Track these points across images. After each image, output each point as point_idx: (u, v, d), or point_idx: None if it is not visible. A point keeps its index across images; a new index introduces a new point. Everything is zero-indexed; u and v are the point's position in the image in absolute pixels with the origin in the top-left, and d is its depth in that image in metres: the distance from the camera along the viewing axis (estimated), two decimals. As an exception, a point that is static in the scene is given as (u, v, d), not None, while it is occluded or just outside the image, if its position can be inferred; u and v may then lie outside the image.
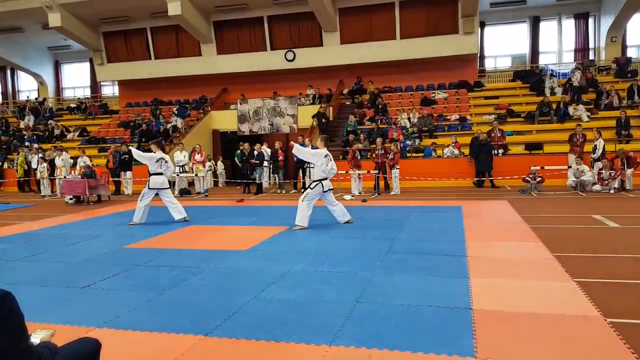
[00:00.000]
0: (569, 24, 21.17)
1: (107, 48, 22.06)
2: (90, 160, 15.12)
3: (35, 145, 19.43)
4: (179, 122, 19.47)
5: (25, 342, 1.80)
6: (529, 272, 5.10)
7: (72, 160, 15.71)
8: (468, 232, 7.33)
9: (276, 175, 15.32)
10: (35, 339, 2.01)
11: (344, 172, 13.24)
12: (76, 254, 6.70)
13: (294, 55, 19.88)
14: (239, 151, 15.94)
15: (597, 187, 12.20)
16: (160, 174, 9.07)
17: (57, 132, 21.35)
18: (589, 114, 16.27)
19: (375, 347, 3.33)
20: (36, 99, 25.91)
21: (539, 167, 12.69)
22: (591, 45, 21.02)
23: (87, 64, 26.12)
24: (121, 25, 21.23)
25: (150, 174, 9.10)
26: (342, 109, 19.94)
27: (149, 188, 9.07)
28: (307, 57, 19.81)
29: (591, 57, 20.78)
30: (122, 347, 3.52)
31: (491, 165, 13.97)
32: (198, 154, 15.16)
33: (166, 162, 9.18)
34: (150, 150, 9.46)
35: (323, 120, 17.61)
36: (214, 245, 7.09)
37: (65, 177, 14.77)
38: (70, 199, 13.70)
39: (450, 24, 18.40)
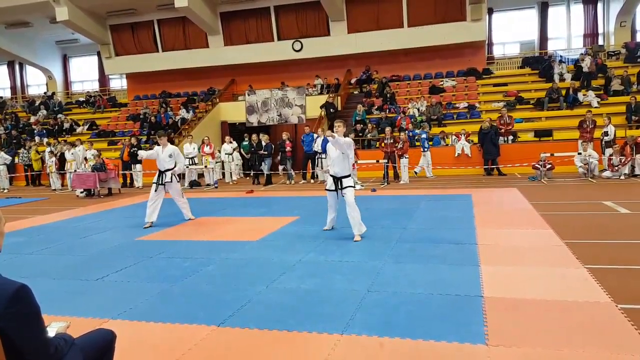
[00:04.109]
0: (578, 9, 20.85)
1: (115, 41, 22.10)
2: (99, 153, 15.17)
3: (46, 140, 19.60)
4: (189, 115, 19.51)
5: (42, 334, 1.83)
6: (539, 259, 5.09)
7: (87, 153, 15.80)
8: (478, 220, 7.31)
9: (284, 166, 15.33)
10: (51, 330, 2.04)
11: (354, 162, 13.22)
12: (89, 247, 6.78)
13: (301, 45, 19.79)
14: (246, 142, 15.96)
15: (608, 173, 12.10)
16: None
17: (66, 125, 21.49)
18: (599, 99, 16.07)
19: (386, 335, 3.35)
20: (45, 93, 26.07)
21: (548, 154, 12.59)
22: (600, 30, 20.69)
23: (95, 58, 26.19)
24: (128, 18, 21.24)
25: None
26: (350, 98, 19.87)
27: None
28: (314, 47, 19.71)
29: (600, 42, 20.46)
30: (137, 337, 3.57)
31: (497, 153, 13.87)
32: (207, 145, 15.21)
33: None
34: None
35: (331, 110, 17.57)
36: (225, 236, 7.14)
37: (75, 170, 14.90)
38: (81, 192, 13.83)
39: (458, 11, 18.20)
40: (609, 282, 4.19)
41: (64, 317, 3.68)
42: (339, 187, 6.60)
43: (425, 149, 14.18)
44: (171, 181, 8.35)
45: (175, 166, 8.40)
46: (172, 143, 16.46)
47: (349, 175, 6.63)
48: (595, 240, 5.84)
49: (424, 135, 14.36)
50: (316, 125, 16.13)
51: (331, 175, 6.72)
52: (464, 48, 19.19)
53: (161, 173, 8.37)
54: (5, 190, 16.29)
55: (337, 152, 6.55)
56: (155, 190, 8.26)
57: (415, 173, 14.15)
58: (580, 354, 2.99)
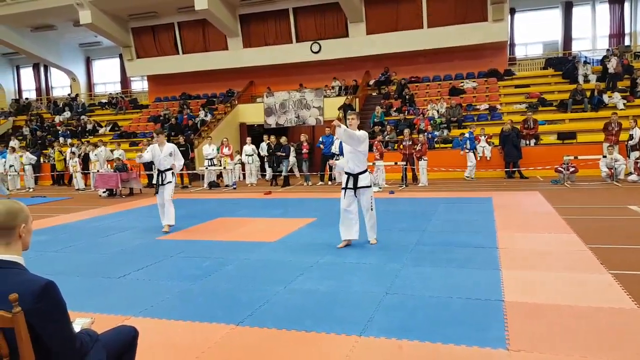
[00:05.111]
0: (604, 9, 20.43)
1: (136, 44, 22.45)
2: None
3: (69, 140, 19.99)
4: (208, 117, 19.72)
5: (68, 329, 1.87)
6: (562, 264, 5.00)
7: (110, 154, 16.09)
8: (499, 223, 7.21)
9: (301, 168, 15.35)
10: (76, 326, 2.08)
11: (371, 163, 13.17)
12: (111, 246, 6.90)
13: (320, 47, 19.81)
14: (264, 144, 16.04)
15: (634, 177, 11.83)
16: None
17: (89, 127, 21.91)
18: (625, 101, 15.73)
19: (405, 338, 3.33)
20: (69, 94, 26.62)
21: (572, 157, 12.37)
22: (627, 30, 20.25)
23: (117, 60, 26.65)
24: (149, 20, 21.57)
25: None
26: (369, 100, 19.81)
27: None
28: (332, 49, 19.71)
29: (627, 42, 20.03)
30: (158, 335, 3.62)
31: (518, 155, 13.68)
32: (226, 147, 15.33)
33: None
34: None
35: (349, 111, 17.53)
36: (244, 237, 7.18)
37: (98, 170, 15.18)
38: (104, 192, 14.07)
39: (479, 11, 18.00)
40: (634, 288, 4.09)
41: (88, 314, 3.74)
42: (355, 185, 6.03)
43: (469, 150, 13.91)
44: (172, 181, 7.92)
45: (180, 163, 8.04)
46: (192, 144, 16.74)
47: (365, 171, 6.08)
48: (620, 245, 5.70)
49: (467, 135, 14.07)
50: (333, 128, 16.09)
51: (346, 173, 6.12)
52: (485, 49, 18.96)
53: (160, 173, 7.97)
54: (31, 190, 16.67)
55: (351, 147, 6.02)
56: (157, 193, 7.96)
57: (472, 178, 13.95)
58: (605, 361, 2.93)
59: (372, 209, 6.16)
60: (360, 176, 6.06)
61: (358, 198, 6.15)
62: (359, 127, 6.32)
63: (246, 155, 15.75)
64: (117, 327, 2.34)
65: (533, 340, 3.22)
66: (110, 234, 7.86)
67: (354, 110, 18.02)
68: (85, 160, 16.62)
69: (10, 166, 16.64)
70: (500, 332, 3.36)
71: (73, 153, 16.77)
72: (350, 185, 6.06)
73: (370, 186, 6.16)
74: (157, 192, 8.00)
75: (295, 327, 3.59)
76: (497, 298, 4.02)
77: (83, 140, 19.71)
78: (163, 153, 7.94)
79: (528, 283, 4.40)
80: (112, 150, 16.44)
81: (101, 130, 21.87)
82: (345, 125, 6.13)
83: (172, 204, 7.86)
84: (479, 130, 14.90)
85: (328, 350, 3.25)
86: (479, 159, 14.32)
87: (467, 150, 13.88)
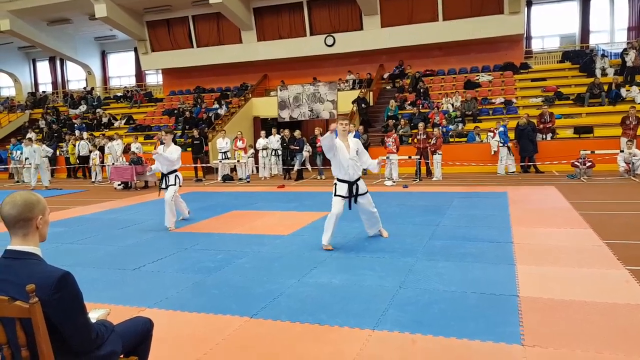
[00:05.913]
0: (622, 1, 20.01)
1: (151, 37, 22.57)
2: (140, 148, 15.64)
3: (85, 134, 20.22)
4: (222, 110, 19.81)
5: (84, 319, 1.89)
6: (578, 259, 4.93)
7: (123, 147, 16.25)
8: (514, 218, 7.14)
9: (315, 161, 15.33)
10: (92, 317, 2.10)
11: (385, 157, 13.09)
12: (125, 238, 6.97)
13: (334, 40, 19.73)
14: (273, 137, 16.02)
15: (652, 172, 11.62)
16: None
17: (104, 120, 22.13)
18: (644, 95, 15.43)
19: (419, 332, 3.32)
20: (84, 88, 26.90)
21: (588, 152, 12.18)
22: (646, 22, 19.84)
23: (132, 54, 26.84)
24: (164, 14, 21.65)
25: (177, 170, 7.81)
26: (383, 93, 19.70)
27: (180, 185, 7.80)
28: (347, 42, 19.62)
29: (646, 35, 19.62)
30: (173, 326, 3.65)
31: (534, 150, 13.49)
32: (240, 140, 15.38)
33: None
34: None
35: (363, 105, 17.47)
36: (257, 230, 7.21)
37: (113, 163, 15.33)
38: (119, 184, 14.22)
39: (495, 3, 17.75)
40: (653, 285, 4.03)
41: (104, 305, 3.79)
42: (354, 193, 5.77)
43: (503, 144, 13.56)
44: (175, 184, 7.59)
45: (177, 167, 7.70)
46: (206, 138, 16.81)
47: (360, 178, 5.85)
48: (637, 240, 5.61)
49: (501, 129, 13.65)
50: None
51: (342, 181, 5.78)
52: (501, 42, 18.73)
53: (164, 176, 7.71)
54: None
55: (351, 153, 5.74)
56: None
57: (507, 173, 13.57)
58: (622, 359, 2.88)
59: (374, 207, 6.05)
60: (358, 183, 5.83)
61: (360, 204, 5.91)
62: (366, 130, 6.18)
63: (262, 148, 15.78)
64: (133, 318, 2.37)
65: (548, 336, 3.19)
66: (125, 226, 7.94)
67: (368, 103, 17.95)
68: (102, 153, 16.83)
69: (26, 158, 16.84)
70: (515, 327, 3.33)
71: (94, 146, 17.04)
72: (347, 193, 5.77)
73: (367, 192, 5.95)
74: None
75: (309, 320, 3.60)
76: (511, 293, 3.99)
77: (97, 133, 19.94)
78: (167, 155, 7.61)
79: (543, 278, 4.35)
80: (124, 144, 16.61)
81: (116, 124, 22.09)
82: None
83: (172, 208, 7.50)
84: (494, 124, 14.72)
85: (341, 343, 3.25)
86: (492, 153, 14.04)
87: (501, 145, 13.56)
